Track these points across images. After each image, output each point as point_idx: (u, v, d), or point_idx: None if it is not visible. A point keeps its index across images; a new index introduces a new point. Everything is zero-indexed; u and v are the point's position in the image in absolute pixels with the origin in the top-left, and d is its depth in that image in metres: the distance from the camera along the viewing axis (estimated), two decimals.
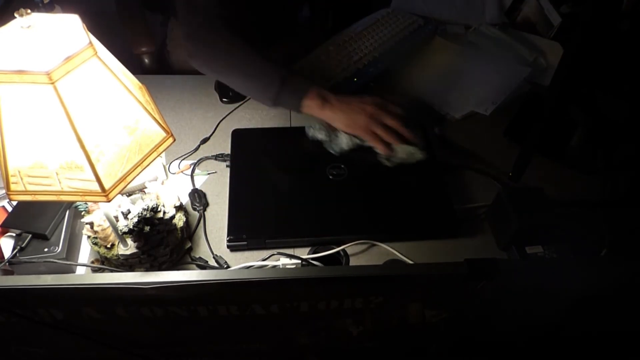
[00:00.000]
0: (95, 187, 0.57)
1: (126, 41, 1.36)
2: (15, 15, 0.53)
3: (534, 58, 1.19)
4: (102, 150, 0.57)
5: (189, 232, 0.85)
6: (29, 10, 0.53)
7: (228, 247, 0.82)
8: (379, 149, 0.89)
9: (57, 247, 0.75)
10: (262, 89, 0.90)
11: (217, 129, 1.03)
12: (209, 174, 0.95)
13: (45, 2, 1.16)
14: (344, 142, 0.92)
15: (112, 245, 0.75)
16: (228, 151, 0.96)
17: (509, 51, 1.22)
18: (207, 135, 1.01)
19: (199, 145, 0.99)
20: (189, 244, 0.83)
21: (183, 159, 0.97)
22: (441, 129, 1.04)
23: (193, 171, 0.94)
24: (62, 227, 0.78)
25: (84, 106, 0.55)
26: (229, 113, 1.07)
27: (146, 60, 1.26)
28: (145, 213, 0.74)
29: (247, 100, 1.10)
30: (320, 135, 0.94)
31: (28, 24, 0.53)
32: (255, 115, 1.07)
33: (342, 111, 0.89)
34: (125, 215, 0.73)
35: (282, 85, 0.87)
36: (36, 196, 0.59)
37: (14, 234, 0.77)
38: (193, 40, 0.92)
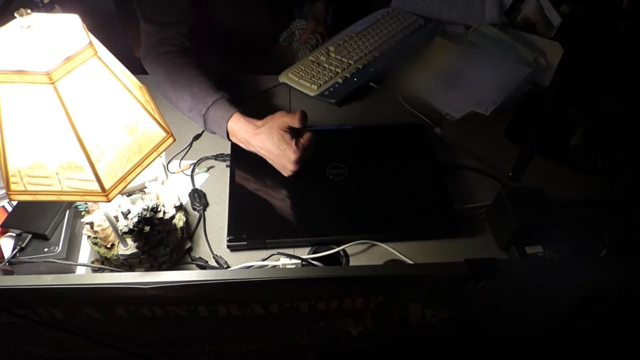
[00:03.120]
0: (95, 187, 0.57)
1: (126, 41, 1.36)
2: (15, 15, 0.53)
3: (534, 58, 1.19)
4: (102, 150, 0.57)
5: (189, 232, 0.85)
6: (29, 10, 0.53)
7: (228, 247, 0.82)
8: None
9: (57, 247, 0.75)
10: (196, 120, 0.96)
11: None
12: (208, 169, 0.95)
13: (45, 2, 1.17)
14: None
15: (112, 245, 0.75)
16: (228, 151, 0.96)
17: (509, 51, 1.22)
18: (199, 132, 1.02)
19: (191, 142, 1.00)
20: (189, 244, 0.83)
21: (181, 158, 0.97)
22: (441, 129, 1.04)
23: (193, 171, 0.94)
24: (62, 227, 0.78)
25: (84, 106, 0.55)
26: None
27: None
28: (145, 213, 0.74)
29: (247, 99, 1.10)
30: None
31: (28, 24, 0.53)
32: (256, 116, 1.07)
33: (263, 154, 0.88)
34: (125, 215, 0.73)
35: (205, 124, 0.94)
36: (36, 196, 0.59)
37: (14, 234, 0.78)
38: (146, 64, 1.01)
